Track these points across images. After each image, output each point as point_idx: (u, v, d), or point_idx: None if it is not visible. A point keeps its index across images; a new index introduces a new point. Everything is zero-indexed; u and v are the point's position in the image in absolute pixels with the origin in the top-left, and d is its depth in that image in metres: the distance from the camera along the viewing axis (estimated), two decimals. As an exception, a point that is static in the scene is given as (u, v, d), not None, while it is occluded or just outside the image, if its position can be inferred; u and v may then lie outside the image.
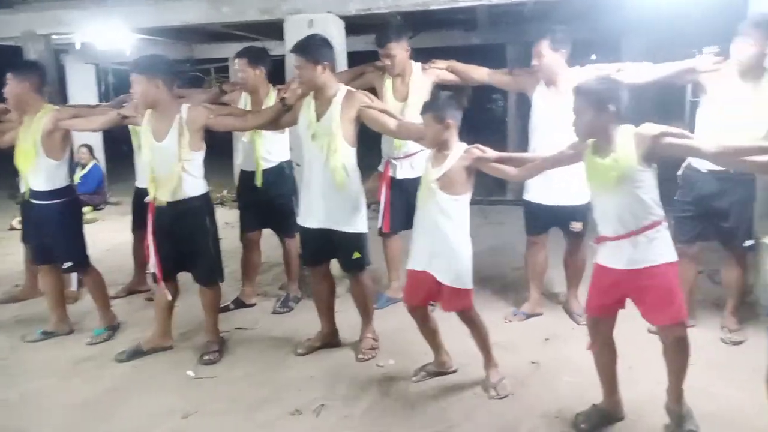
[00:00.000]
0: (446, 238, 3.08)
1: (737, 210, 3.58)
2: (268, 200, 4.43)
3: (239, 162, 4.65)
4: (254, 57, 4.28)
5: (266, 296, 4.78)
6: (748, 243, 3.64)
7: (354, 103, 3.44)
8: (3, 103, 4.11)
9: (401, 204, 4.20)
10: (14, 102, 3.91)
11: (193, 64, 10.01)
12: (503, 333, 3.80)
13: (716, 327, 3.81)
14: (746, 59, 3.41)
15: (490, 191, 7.91)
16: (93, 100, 8.93)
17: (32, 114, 3.87)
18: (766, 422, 2.53)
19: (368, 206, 3.68)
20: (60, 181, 3.94)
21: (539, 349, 3.73)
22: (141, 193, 4.26)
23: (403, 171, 4.25)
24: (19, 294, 4.93)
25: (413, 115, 3.59)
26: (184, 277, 3.84)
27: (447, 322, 3.38)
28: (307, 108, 3.53)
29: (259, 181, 4.36)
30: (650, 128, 2.58)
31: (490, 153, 3.08)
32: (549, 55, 3.82)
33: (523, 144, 4.22)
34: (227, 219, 6.60)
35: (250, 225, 4.56)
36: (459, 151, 3.08)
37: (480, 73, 4.18)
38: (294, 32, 4.29)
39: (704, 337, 3.61)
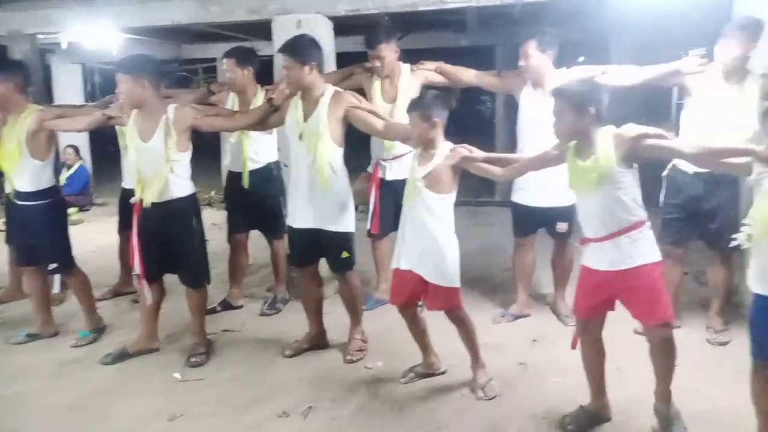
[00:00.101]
0: (433, 236, 3.08)
1: (724, 211, 3.60)
2: (256, 201, 4.41)
3: (227, 163, 4.63)
4: (242, 57, 4.26)
5: (254, 298, 4.76)
6: (735, 243, 3.66)
7: (341, 103, 3.44)
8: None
9: (390, 205, 4.19)
10: (-2, 102, 3.87)
11: (181, 64, 9.97)
12: (491, 334, 3.81)
13: (702, 328, 3.83)
14: (730, 61, 3.44)
15: (478, 192, 7.93)
16: (79, 100, 8.87)
17: (17, 114, 3.83)
18: (751, 422, 2.54)
19: (356, 207, 3.67)
20: (45, 181, 3.91)
21: (527, 350, 3.73)
22: (127, 194, 4.22)
23: (392, 172, 4.25)
24: (3, 296, 4.88)
25: (402, 117, 3.59)
26: (171, 279, 3.81)
27: (435, 322, 3.38)
28: (295, 108, 3.52)
29: (246, 183, 4.34)
30: (629, 130, 2.58)
31: (477, 153, 3.09)
32: (536, 56, 3.83)
33: (511, 145, 4.24)
34: (215, 220, 6.57)
35: (237, 226, 4.54)
36: (445, 150, 3.09)
37: (468, 75, 4.19)
38: (282, 32, 4.28)
39: (690, 337, 3.63)
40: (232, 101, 4.36)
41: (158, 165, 3.48)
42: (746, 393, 2.52)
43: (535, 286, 4.53)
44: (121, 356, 3.76)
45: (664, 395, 2.78)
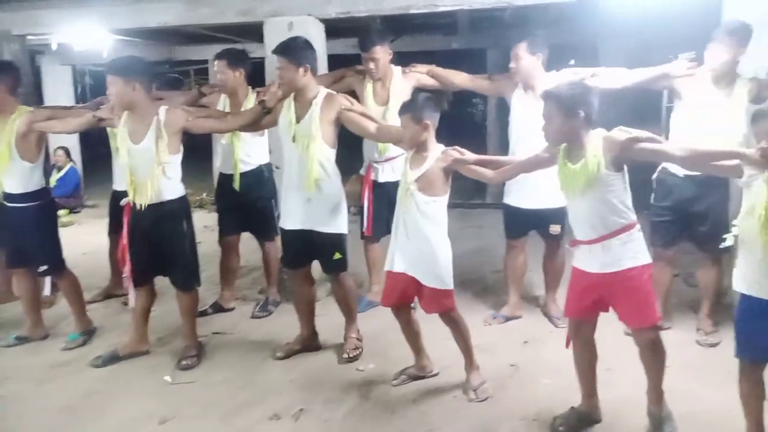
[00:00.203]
0: (426, 239, 3.09)
1: (714, 213, 3.63)
2: (247, 203, 4.40)
3: (218, 165, 4.62)
4: (234, 59, 4.26)
5: (245, 300, 4.75)
6: (725, 244, 3.69)
7: (334, 105, 3.44)
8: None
9: (383, 207, 4.20)
10: (-12, 103, 3.84)
11: (172, 65, 9.94)
12: (482, 336, 3.81)
13: (692, 329, 3.86)
14: (719, 66, 3.47)
15: (470, 195, 7.95)
16: (69, 101, 8.81)
17: (6, 116, 3.80)
18: (741, 423, 2.56)
19: (348, 209, 3.68)
20: (35, 183, 3.89)
21: (518, 352, 3.74)
22: (118, 196, 4.20)
23: (384, 174, 4.26)
24: (-8, 298, 4.85)
25: (393, 119, 3.60)
26: (162, 282, 3.80)
27: (428, 324, 3.38)
28: (288, 110, 3.52)
29: (237, 184, 4.33)
30: (620, 133, 2.59)
31: (468, 155, 3.09)
32: (526, 58, 3.85)
33: (503, 147, 4.25)
34: (206, 222, 6.54)
35: (228, 228, 4.52)
36: (437, 152, 3.09)
37: (461, 79, 4.20)
38: (274, 34, 4.27)
39: (680, 339, 3.65)
40: (223, 103, 4.35)
41: (149, 167, 3.47)
42: (737, 394, 2.54)
43: (527, 287, 4.54)
44: (112, 359, 3.74)
45: (655, 396, 2.80)
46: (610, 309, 2.79)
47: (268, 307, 4.53)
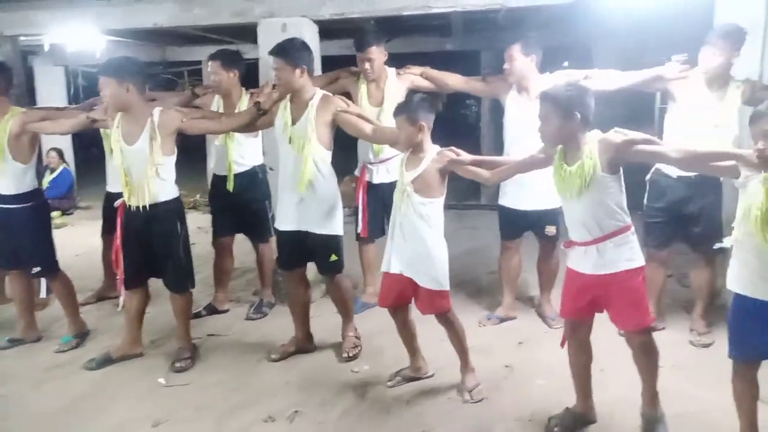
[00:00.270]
0: (423, 240, 3.09)
1: (707, 214, 3.65)
2: (241, 205, 4.39)
3: (212, 166, 4.61)
4: (228, 60, 4.25)
5: (239, 302, 4.73)
6: (718, 245, 3.70)
7: (330, 107, 3.44)
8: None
9: (378, 209, 4.21)
10: (-21, 105, 3.82)
11: (166, 66, 9.91)
12: (477, 337, 3.81)
13: (685, 330, 3.87)
14: (713, 69, 3.49)
15: (464, 196, 7.96)
16: (62, 102, 8.77)
17: (-1, 117, 3.79)
18: (734, 423, 2.57)
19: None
20: (27, 184, 3.87)
21: (513, 353, 3.75)
22: (111, 198, 4.19)
23: (379, 176, 4.27)
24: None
25: (388, 121, 3.60)
26: (155, 283, 3.78)
27: (423, 325, 3.38)
28: (284, 111, 3.52)
29: (230, 186, 4.32)
30: (616, 135, 2.59)
31: (464, 155, 3.10)
32: (520, 59, 3.87)
33: (497, 149, 4.26)
34: (200, 224, 6.53)
35: (222, 230, 4.52)
36: (433, 153, 3.10)
37: (455, 81, 4.21)
38: (268, 36, 4.27)
39: (673, 339, 3.67)
40: (216, 104, 4.34)
41: (143, 168, 3.46)
42: (730, 394, 2.55)
43: (521, 288, 4.55)
44: (105, 361, 3.72)
45: (649, 397, 2.81)
46: (604, 310, 2.80)
47: (263, 308, 4.52)
